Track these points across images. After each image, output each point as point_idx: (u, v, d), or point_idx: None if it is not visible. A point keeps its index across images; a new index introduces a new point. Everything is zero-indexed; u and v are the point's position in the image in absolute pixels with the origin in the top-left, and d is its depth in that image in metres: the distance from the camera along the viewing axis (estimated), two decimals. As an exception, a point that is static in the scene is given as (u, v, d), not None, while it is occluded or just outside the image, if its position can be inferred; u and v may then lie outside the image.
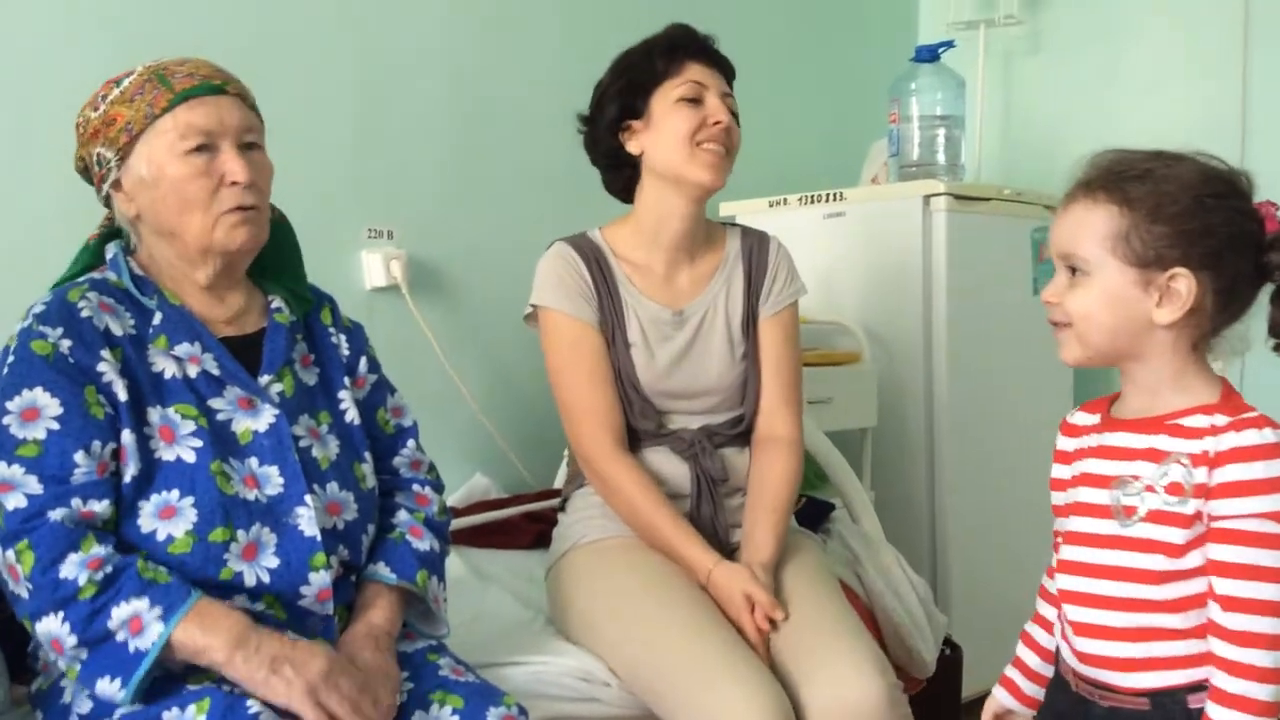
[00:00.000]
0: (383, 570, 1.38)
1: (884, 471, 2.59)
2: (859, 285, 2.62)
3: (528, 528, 2.19)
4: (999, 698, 1.36)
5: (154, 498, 1.23)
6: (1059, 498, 1.28)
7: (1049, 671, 1.31)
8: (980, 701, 1.40)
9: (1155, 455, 1.13)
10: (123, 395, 1.24)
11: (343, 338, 1.48)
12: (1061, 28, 3.27)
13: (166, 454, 1.25)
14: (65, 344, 1.23)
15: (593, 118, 1.82)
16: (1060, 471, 1.28)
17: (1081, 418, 1.27)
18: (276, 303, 1.41)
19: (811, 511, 2.07)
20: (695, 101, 1.73)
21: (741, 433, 1.81)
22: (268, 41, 2.14)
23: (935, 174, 2.73)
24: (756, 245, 1.86)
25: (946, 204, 2.50)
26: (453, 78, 2.41)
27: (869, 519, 2.18)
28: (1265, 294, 1.16)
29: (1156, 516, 1.12)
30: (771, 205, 2.73)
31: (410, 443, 1.53)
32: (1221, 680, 1.08)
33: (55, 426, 1.20)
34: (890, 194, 2.62)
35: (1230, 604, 1.08)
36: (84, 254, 1.40)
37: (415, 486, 1.51)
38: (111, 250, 1.37)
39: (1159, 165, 1.13)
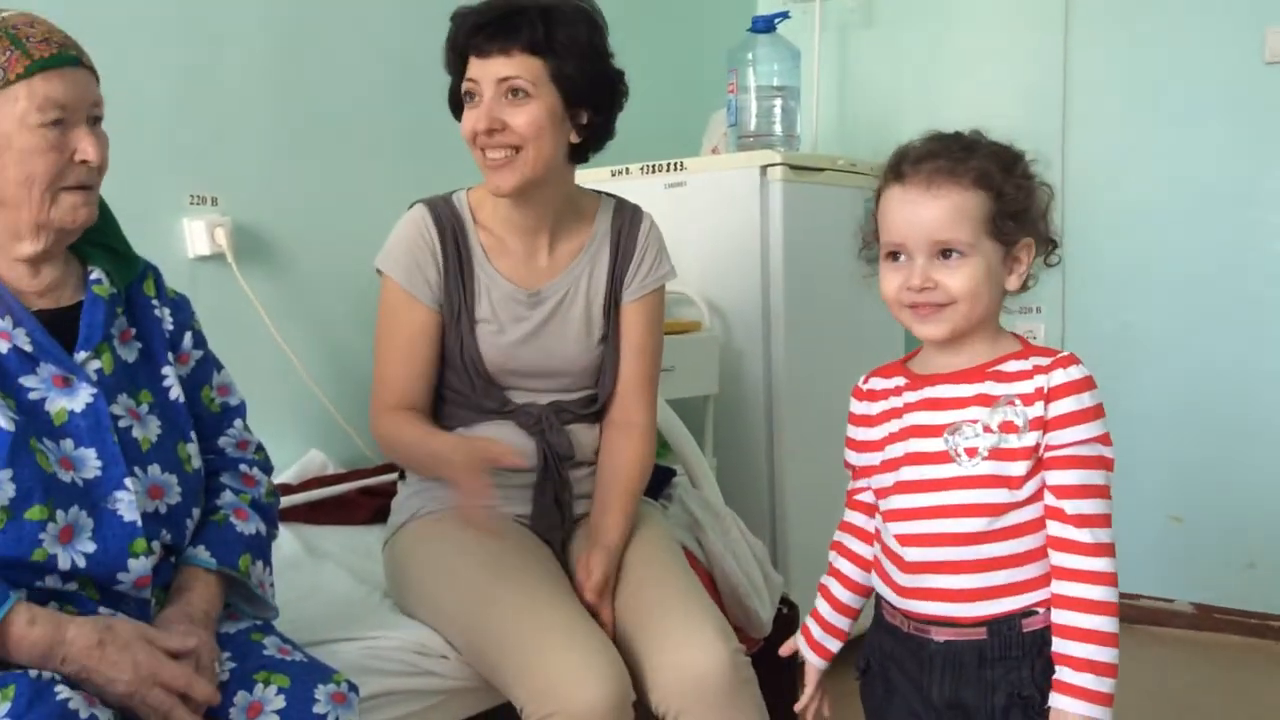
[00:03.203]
0: (202, 554, 1.34)
1: (725, 437, 2.64)
2: (700, 254, 2.65)
3: (365, 502, 2.16)
4: (817, 664, 1.44)
5: None
6: (863, 458, 1.36)
7: (843, 624, 1.42)
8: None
9: (986, 400, 1.23)
10: None
11: (166, 311, 1.41)
12: (893, 2, 3.36)
13: None
14: None
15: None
16: (863, 434, 1.37)
17: (879, 382, 1.36)
18: (96, 274, 1.34)
19: (653, 478, 2.08)
20: (475, 98, 1.63)
21: (594, 411, 1.80)
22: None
23: (772, 144, 2.78)
24: (627, 224, 1.81)
25: (783, 174, 2.55)
26: (277, 38, 2.32)
27: (709, 485, 2.22)
28: None
29: (997, 454, 1.21)
30: (614, 174, 2.73)
31: (238, 422, 1.48)
32: (1079, 590, 1.19)
33: None
34: (728, 164, 2.65)
35: (1082, 521, 1.19)
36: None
37: (242, 467, 1.46)
38: None
39: (984, 144, 1.24)
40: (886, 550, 1.31)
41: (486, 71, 1.62)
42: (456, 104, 1.70)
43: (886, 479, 1.30)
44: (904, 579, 1.27)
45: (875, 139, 3.26)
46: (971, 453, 1.22)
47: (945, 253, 1.22)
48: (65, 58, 1.25)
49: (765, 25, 2.83)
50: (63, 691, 1.09)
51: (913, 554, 1.26)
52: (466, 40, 1.63)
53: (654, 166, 2.71)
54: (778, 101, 2.82)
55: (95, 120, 1.29)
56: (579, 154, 1.74)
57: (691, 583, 1.65)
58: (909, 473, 1.27)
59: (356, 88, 2.43)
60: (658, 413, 1.87)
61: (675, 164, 2.69)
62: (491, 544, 1.62)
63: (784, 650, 1.49)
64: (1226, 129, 2.88)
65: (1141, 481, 2.95)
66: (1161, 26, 2.94)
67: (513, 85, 1.61)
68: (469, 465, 1.49)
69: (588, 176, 2.70)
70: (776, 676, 1.94)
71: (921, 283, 1.22)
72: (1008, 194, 1.21)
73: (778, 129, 2.82)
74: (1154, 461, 2.95)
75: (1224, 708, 2.52)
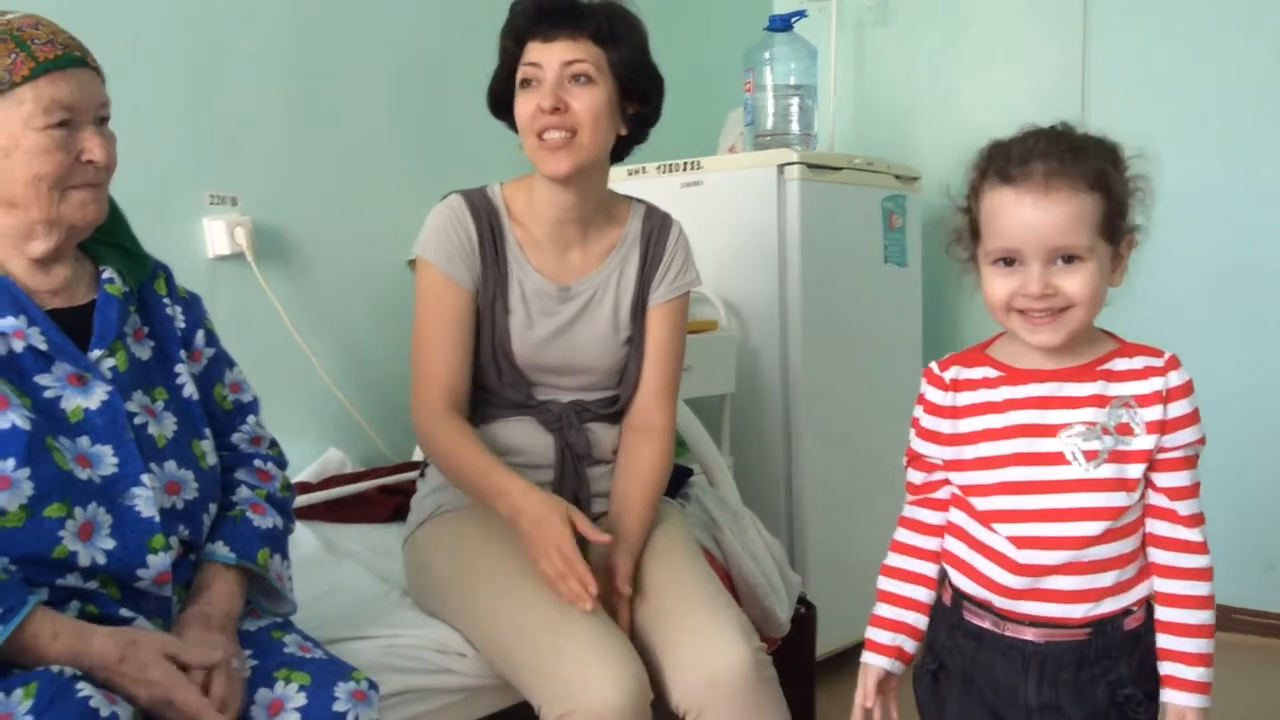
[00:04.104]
0: (221, 550, 1.34)
1: (742, 436, 2.63)
2: (717, 253, 2.64)
3: (384, 501, 2.16)
4: (882, 665, 1.35)
5: None
6: (944, 451, 1.30)
7: (922, 623, 1.35)
8: (834, 659, 1.42)
9: (1101, 400, 1.21)
10: None
11: (178, 309, 1.42)
12: (910, 1, 3.35)
13: (0, 421, 1.18)
14: None
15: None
16: (946, 426, 1.30)
17: (962, 371, 1.30)
18: (108, 273, 1.34)
19: (671, 478, 2.08)
20: (531, 85, 1.66)
21: (614, 412, 1.80)
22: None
23: (789, 143, 2.77)
24: (657, 230, 1.82)
25: (800, 173, 2.54)
26: (295, 38, 2.32)
27: (726, 484, 2.22)
28: None
29: (1116, 456, 1.20)
30: (631, 174, 2.73)
31: (250, 418, 1.48)
32: (1193, 588, 1.21)
33: None
34: (745, 163, 2.65)
35: (1193, 520, 1.22)
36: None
37: (257, 463, 1.46)
38: None
39: (1083, 142, 1.20)
40: (986, 550, 1.27)
41: (551, 55, 1.65)
42: (498, 96, 1.72)
43: (984, 476, 1.26)
44: (1015, 581, 1.24)
45: (892, 137, 3.30)
46: (1091, 455, 1.21)
47: (1066, 258, 1.17)
48: (70, 59, 1.25)
49: (782, 24, 2.82)
50: (84, 689, 1.09)
51: (1027, 556, 1.23)
52: (530, 26, 1.66)
53: (671, 166, 2.71)
54: (794, 100, 2.81)
55: (102, 120, 1.29)
56: (620, 151, 1.79)
57: (711, 581, 1.65)
58: (1018, 473, 1.24)
59: (374, 86, 2.43)
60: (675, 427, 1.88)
61: (692, 163, 2.69)
62: (510, 541, 1.62)
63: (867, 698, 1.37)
64: (1243, 124, 2.86)
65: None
66: (1178, 21, 2.92)
67: (576, 70, 1.65)
68: (553, 531, 1.51)
69: (605, 175, 2.71)
70: (796, 676, 1.94)
71: (1041, 289, 1.17)
72: (1117, 193, 1.19)
73: (795, 128, 2.81)
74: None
75: (1244, 709, 2.51)
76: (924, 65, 3.32)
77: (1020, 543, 1.23)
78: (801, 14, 2.87)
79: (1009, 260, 1.19)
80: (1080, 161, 1.17)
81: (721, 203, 2.64)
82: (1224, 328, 2.92)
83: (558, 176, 1.67)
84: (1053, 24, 3.09)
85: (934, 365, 1.33)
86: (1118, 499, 1.21)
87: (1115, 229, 1.19)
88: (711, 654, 1.50)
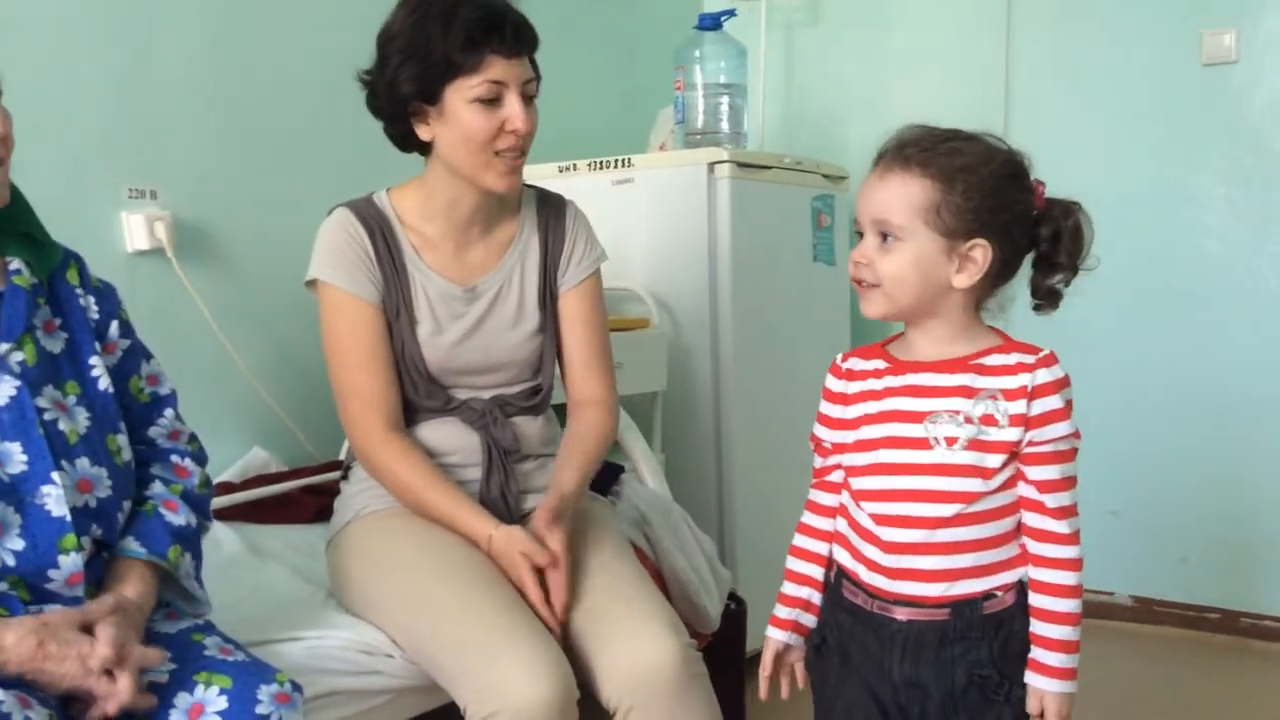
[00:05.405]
0: (131, 544, 1.30)
1: (673, 433, 2.64)
2: (647, 251, 2.65)
3: (308, 501, 2.13)
4: (780, 638, 1.42)
5: None
6: (835, 435, 1.38)
7: (818, 599, 1.42)
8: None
9: (967, 391, 1.26)
10: None
11: (91, 299, 1.37)
12: (839, 1, 3.39)
13: None
14: None
15: (375, 84, 1.67)
16: (837, 411, 1.38)
17: (858, 362, 1.37)
18: (15, 264, 1.29)
19: (601, 475, 2.08)
20: (493, 102, 1.61)
21: (537, 403, 1.79)
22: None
23: (719, 142, 2.78)
24: (554, 215, 1.81)
25: (730, 171, 2.55)
26: (216, 28, 2.27)
27: (657, 481, 2.22)
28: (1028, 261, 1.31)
29: (976, 445, 1.25)
30: (561, 171, 2.72)
31: (168, 411, 1.44)
32: (1057, 576, 1.25)
33: None
34: (676, 161, 2.65)
35: (1062, 512, 1.25)
36: None
37: (174, 458, 1.42)
38: None
39: (963, 144, 1.25)
40: (860, 529, 1.33)
41: (514, 73, 1.61)
42: (408, 96, 1.62)
43: (860, 458, 1.33)
44: (885, 559, 1.29)
45: (821, 137, 3.33)
46: (951, 441, 1.25)
47: (885, 235, 1.25)
48: None
49: (712, 23, 2.83)
50: (-7, 693, 1.06)
51: (889, 534, 1.28)
52: (483, 36, 1.58)
53: (602, 163, 2.70)
54: (725, 99, 2.82)
55: None
56: None
57: (641, 578, 1.65)
58: (886, 455, 1.30)
59: (297, 81, 2.39)
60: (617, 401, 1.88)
61: (623, 160, 2.69)
62: (435, 541, 1.61)
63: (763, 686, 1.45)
64: (1163, 129, 2.94)
65: (1080, 476, 2.99)
66: (1101, 28, 2.99)
67: (530, 90, 1.64)
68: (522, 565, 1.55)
69: (535, 172, 2.69)
70: (725, 672, 1.95)
71: (857, 257, 1.28)
72: (969, 191, 1.22)
73: (725, 126, 2.82)
74: (1091, 457, 2.98)
75: (1163, 697, 2.57)
76: (852, 66, 3.36)
77: (880, 520, 1.29)
78: (731, 13, 2.89)
79: (860, 233, 1.29)
80: (939, 155, 1.24)
81: (652, 200, 2.64)
82: (1141, 325, 3.00)
83: (508, 192, 1.68)
84: (978, 26, 3.15)
85: (839, 356, 1.40)
86: (972, 484, 1.25)
87: (949, 223, 1.22)
88: (640, 648, 1.49)
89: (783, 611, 1.43)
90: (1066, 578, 1.25)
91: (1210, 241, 2.91)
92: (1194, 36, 2.87)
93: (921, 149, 1.25)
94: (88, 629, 1.16)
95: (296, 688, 1.25)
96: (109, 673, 1.14)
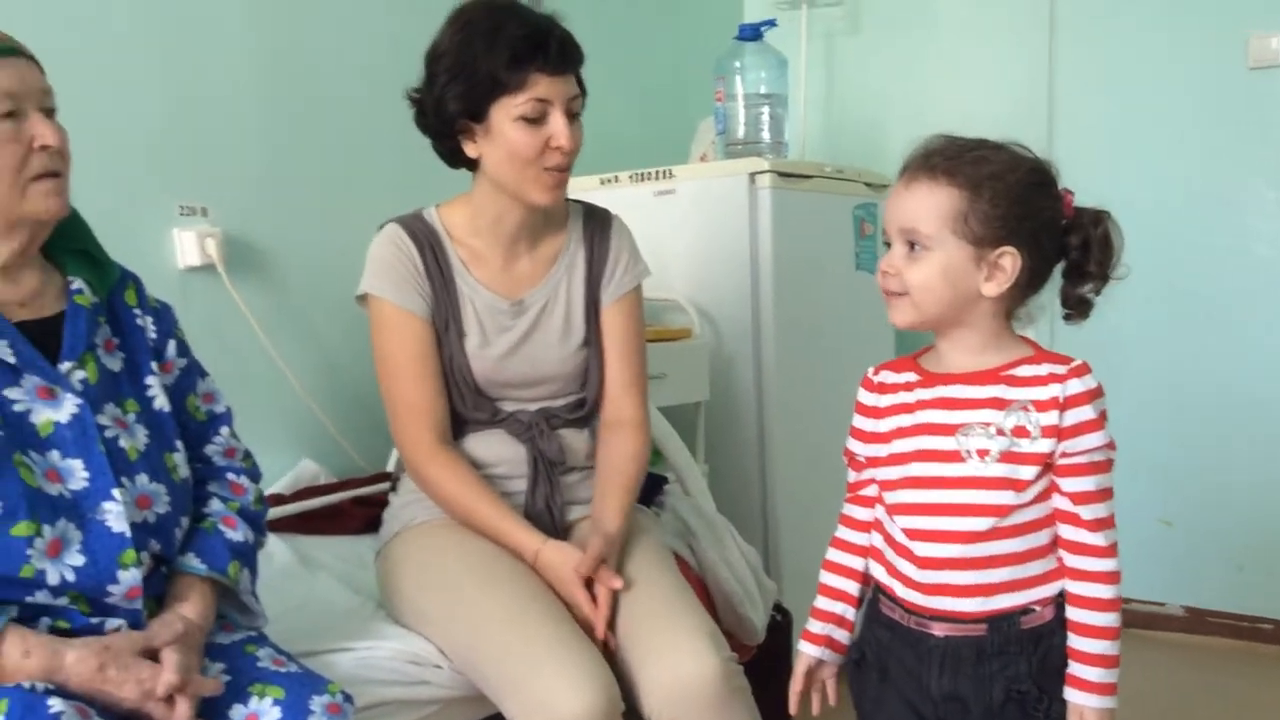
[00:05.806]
0: (193, 561, 1.33)
1: (716, 444, 2.64)
2: (689, 262, 2.65)
3: (357, 512, 2.15)
4: (812, 653, 1.42)
5: None
6: (869, 449, 1.38)
7: (852, 615, 1.41)
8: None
9: (999, 403, 1.25)
10: None
11: (149, 319, 1.41)
12: (879, 9, 3.38)
13: None
14: None
15: (424, 101, 1.69)
16: (870, 425, 1.38)
17: (889, 375, 1.37)
18: (77, 284, 1.33)
19: (645, 486, 2.08)
20: (539, 119, 1.62)
21: (583, 415, 1.80)
22: (67, 8, 2.00)
23: (760, 152, 2.79)
24: (599, 229, 1.82)
25: (771, 181, 2.55)
26: (268, 47, 2.31)
27: (701, 491, 2.22)
28: (1058, 270, 1.30)
29: (1009, 457, 1.24)
30: (603, 183, 2.74)
31: (224, 430, 1.47)
32: (1094, 590, 1.24)
33: None
34: (717, 171, 2.66)
35: (1097, 525, 1.24)
36: None
37: (230, 475, 1.46)
38: None
39: (989, 152, 1.25)
40: (894, 544, 1.32)
41: (559, 90, 1.63)
42: (455, 114, 1.65)
43: (893, 472, 1.32)
44: (920, 574, 1.28)
45: (862, 145, 3.32)
46: (983, 454, 1.25)
47: (912, 245, 1.25)
48: (6, 48, 1.23)
49: (752, 33, 2.84)
50: (55, 704, 1.09)
51: (923, 549, 1.27)
52: (529, 54, 1.60)
53: (643, 174, 2.71)
54: (765, 109, 2.82)
55: (49, 112, 1.27)
56: None
57: (684, 591, 1.66)
58: (918, 469, 1.29)
59: (347, 96, 2.42)
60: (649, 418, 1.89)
61: (664, 172, 2.70)
62: (482, 552, 1.63)
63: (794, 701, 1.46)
64: (1210, 134, 2.90)
65: (1131, 486, 2.94)
66: (1146, 32, 2.96)
67: (574, 106, 1.66)
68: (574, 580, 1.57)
69: (578, 184, 2.72)
70: (769, 685, 1.95)
71: (884, 267, 1.27)
72: (996, 199, 1.22)
73: (766, 136, 2.83)
74: (1143, 466, 2.96)
75: (1214, 710, 2.54)
76: (893, 73, 3.35)
77: (914, 535, 1.29)
78: (771, 23, 2.89)
79: (888, 244, 1.28)
80: (965, 164, 1.23)
81: (694, 211, 2.65)
82: (1191, 332, 2.96)
83: (552, 205, 1.70)
84: (1020, 33, 3.13)
85: (870, 370, 1.40)
86: (1005, 497, 1.24)
87: (976, 231, 1.22)
88: (682, 663, 1.50)
89: (815, 626, 1.42)
90: (1104, 591, 1.24)
91: (1261, 245, 2.87)
92: (1240, 40, 2.83)
93: (947, 158, 1.24)
94: (149, 652, 1.19)
95: (348, 698, 1.28)
96: (169, 697, 1.17)
